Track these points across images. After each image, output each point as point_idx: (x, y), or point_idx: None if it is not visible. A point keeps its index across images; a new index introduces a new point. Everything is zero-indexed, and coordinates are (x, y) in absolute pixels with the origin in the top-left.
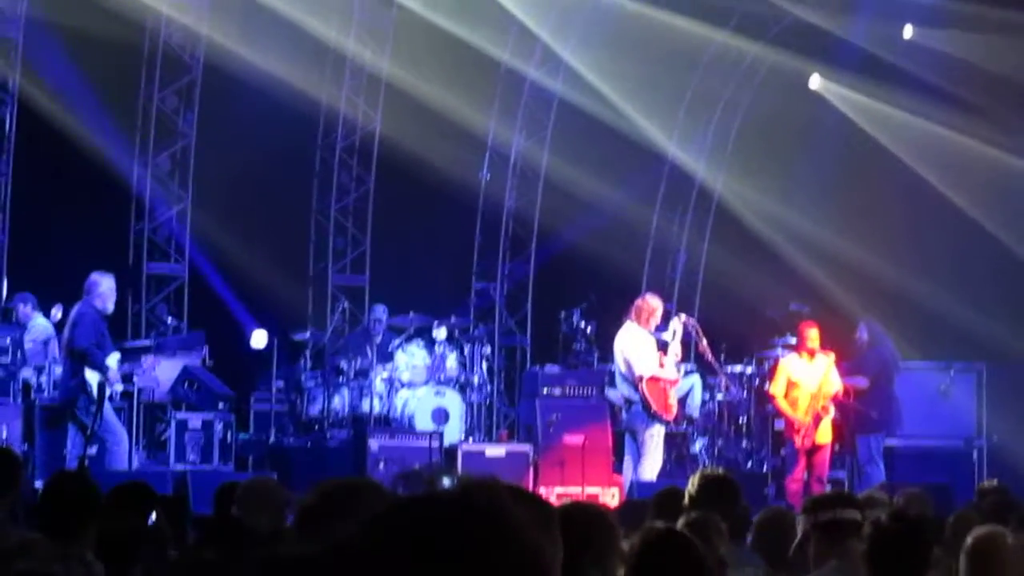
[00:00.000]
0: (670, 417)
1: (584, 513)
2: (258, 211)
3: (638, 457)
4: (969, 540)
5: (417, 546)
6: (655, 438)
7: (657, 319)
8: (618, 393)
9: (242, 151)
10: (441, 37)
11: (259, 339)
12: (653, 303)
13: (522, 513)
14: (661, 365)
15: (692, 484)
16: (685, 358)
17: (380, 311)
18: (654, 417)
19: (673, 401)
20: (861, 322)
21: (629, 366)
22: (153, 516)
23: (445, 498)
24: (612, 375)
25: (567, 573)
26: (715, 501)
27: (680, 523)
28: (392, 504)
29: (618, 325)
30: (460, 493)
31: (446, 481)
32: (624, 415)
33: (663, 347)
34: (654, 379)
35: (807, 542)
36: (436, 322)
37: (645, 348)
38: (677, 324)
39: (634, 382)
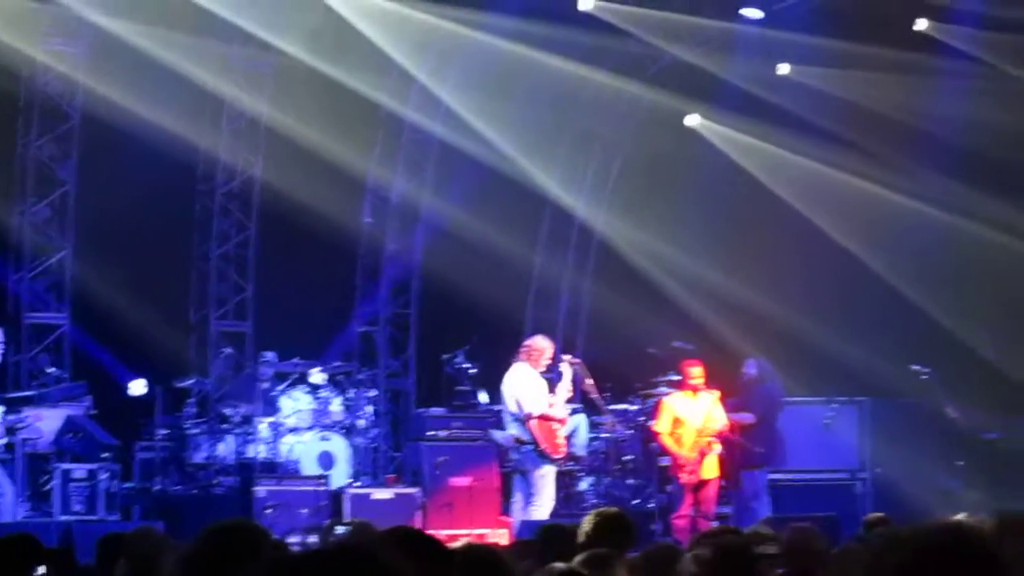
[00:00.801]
0: (560, 456)
1: (480, 554)
2: (139, 258)
3: (528, 497)
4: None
5: None
6: (546, 477)
7: (547, 360)
8: (505, 434)
9: (122, 198)
10: (321, 81)
11: (137, 387)
12: (543, 344)
13: (404, 562)
14: (550, 405)
15: (587, 523)
16: (572, 398)
17: (270, 356)
18: (543, 456)
19: (562, 440)
20: (750, 359)
21: (519, 405)
22: (41, 570)
23: (324, 553)
24: (500, 416)
25: None
26: (610, 540)
27: (577, 560)
28: (276, 560)
29: (502, 366)
30: (337, 548)
31: (340, 530)
32: (514, 455)
33: (552, 388)
34: (544, 417)
35: None
36: (314, 367)
37: (535, 388)
38: (566, 365)
39: (524, 421)
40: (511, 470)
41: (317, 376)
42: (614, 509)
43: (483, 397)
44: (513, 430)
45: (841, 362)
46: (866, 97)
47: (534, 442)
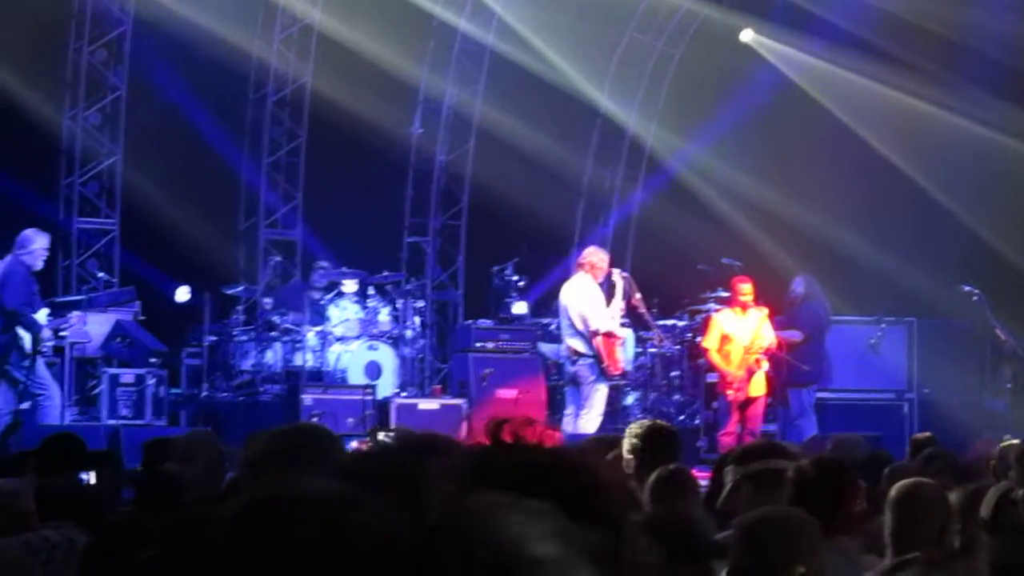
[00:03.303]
0: (618, 373)
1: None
2: (189, 165)
3: (579, 410)
4: (892, 492)
5: None
6: (600, 392)
7: (604, 272)
8: (554, 347)
9: (172, 105)
10: None
11: (182, 294)
12: (602, 255)
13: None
14: (611, 318)
15: (634, 433)
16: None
17: (325, 264)
18: (604, 372)
19: (620, 357)
20: (798, 276)
21: (585, 321)
22: (89, 477)
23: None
24: (545, 328)
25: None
26: (660, 452)
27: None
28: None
29: (550, 279)
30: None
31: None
32: (569, 368)
33: (607, 302)
34: (609, 335)
35: (737, 492)
36: (362, 276)
37: (599, 302)
38: (618, 278)
39: (589, 336)
40: (561, 382)
41: (350, 286)
42: (659, 422)
43: (519, 308)
44: (574, 343)
45: (890, 282)
46: (917, 13)
47: (597, 357)
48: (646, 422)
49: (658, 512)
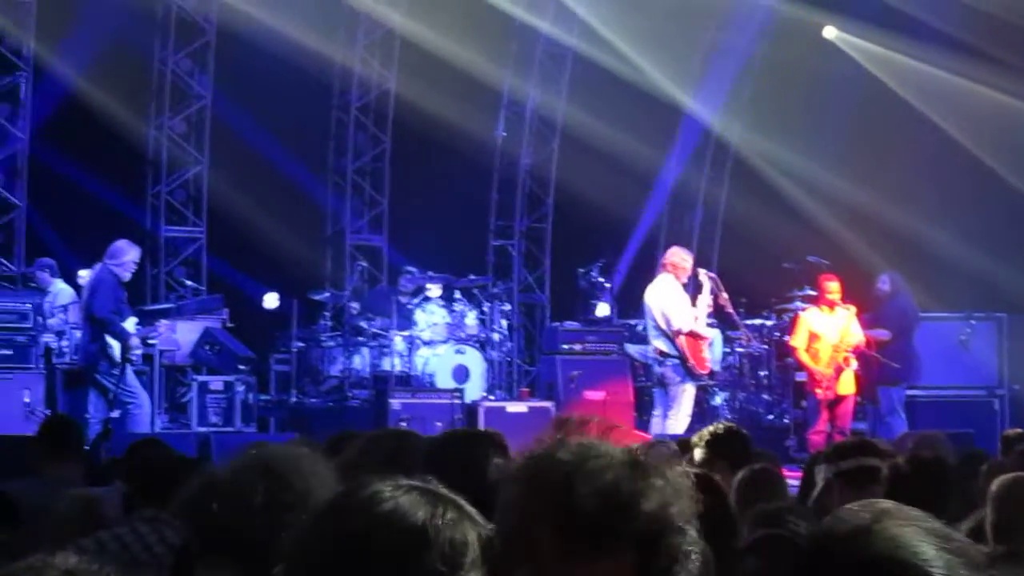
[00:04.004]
0: (704, 372)
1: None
2: (274, 172)
3: (666, 411)
4: (993, 487)
5: None
6: (687, 393)
7: (688, 272)
8: (642, 348)
9: (257, 113)
10: None
11: (271, 301)
12: (685, 256)
13: None
14: (695, 319)
15: (701, 440)
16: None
17: (414, 270)
18: (690, 372)
19: (707, 356)
20: (883, 273)
21: (668, 320)
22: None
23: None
24: (633, 330)
25: None
26: (724, 455)
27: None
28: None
29: (637, 280)
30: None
31: None
32: (657, 369)
33: (692, 302)
34: (693, 335)
35: (829, 490)
36: (448, 281)
37: (683, 302)
38: (704, 278)
39: (672, 337)
40: (649, 384)
41: (436, 290)
42: (725, 424)
43: (603, 310)
44: (660, 344)
45: (980, 278)
46: (1003, 8)
47: (681, 357)
48: (710, 427)
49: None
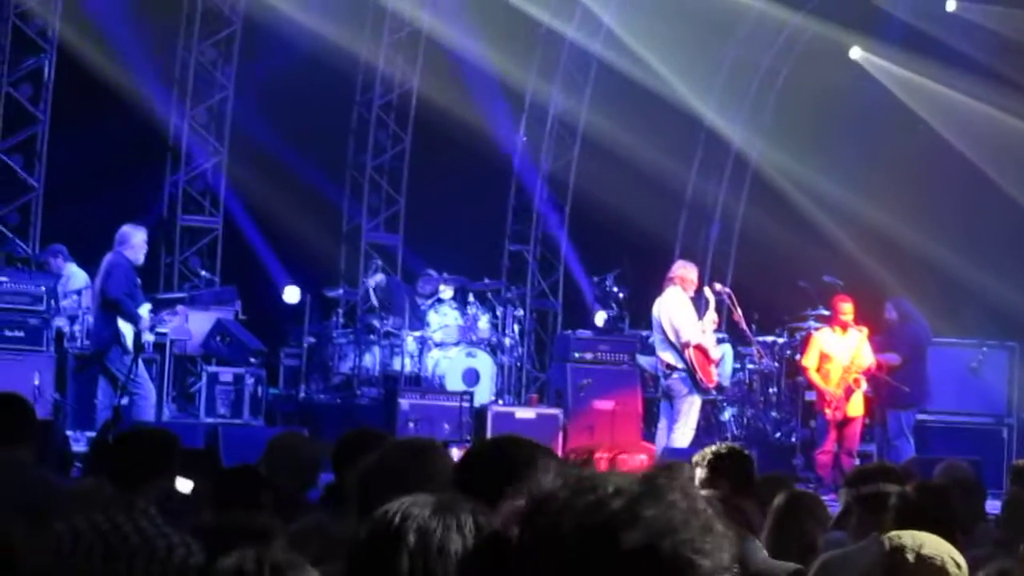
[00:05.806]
0: (711, 385)
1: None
2: (294, 166)
3: (672, 424)
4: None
5: None
6: (693, 405)
7: (695, 285)
8: (652, 359)
9: (279, 105)
10: None
11: (292, 295)
12: (692, 269)
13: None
14: (703, 332)
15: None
16: (718, 327)
17: (432, 272)
18: (697, 385)
19: (714, 370)
20: (888, 301)
21: (676, 332)
22: (184, 487)
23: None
24: (644, 341)
25: None
26: (727, 477)
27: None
28: None
29: (651, 291)
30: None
31: None
32: (664, 381)
33: (699, 315)
34: (700, 347)
35: (848, 514)
36: (462, 283)
37: (691, 314)
38: (709, 293)
39: (680, 348)
40: (659, 395)
41: (448, 291)
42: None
43: (599, 319)
44: (667, 356)
45: (994, 305)
46: None
47: (689, 370)
48: (712, 447)
49: None
